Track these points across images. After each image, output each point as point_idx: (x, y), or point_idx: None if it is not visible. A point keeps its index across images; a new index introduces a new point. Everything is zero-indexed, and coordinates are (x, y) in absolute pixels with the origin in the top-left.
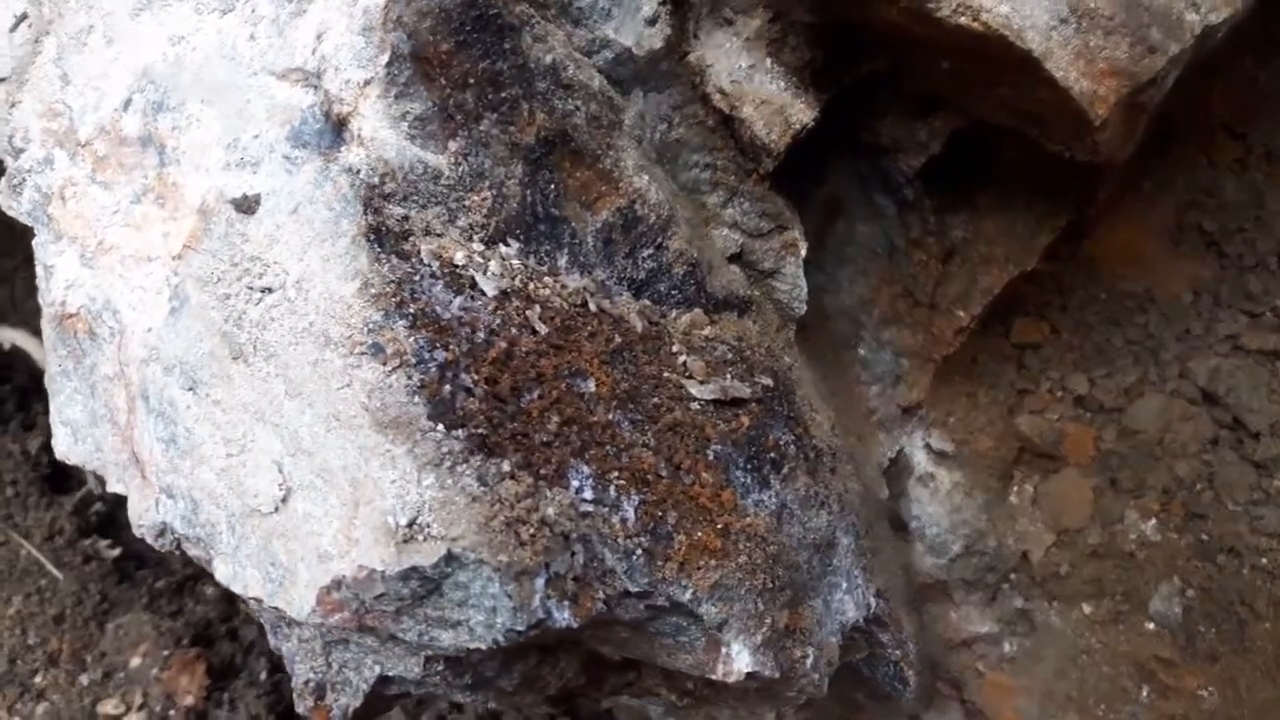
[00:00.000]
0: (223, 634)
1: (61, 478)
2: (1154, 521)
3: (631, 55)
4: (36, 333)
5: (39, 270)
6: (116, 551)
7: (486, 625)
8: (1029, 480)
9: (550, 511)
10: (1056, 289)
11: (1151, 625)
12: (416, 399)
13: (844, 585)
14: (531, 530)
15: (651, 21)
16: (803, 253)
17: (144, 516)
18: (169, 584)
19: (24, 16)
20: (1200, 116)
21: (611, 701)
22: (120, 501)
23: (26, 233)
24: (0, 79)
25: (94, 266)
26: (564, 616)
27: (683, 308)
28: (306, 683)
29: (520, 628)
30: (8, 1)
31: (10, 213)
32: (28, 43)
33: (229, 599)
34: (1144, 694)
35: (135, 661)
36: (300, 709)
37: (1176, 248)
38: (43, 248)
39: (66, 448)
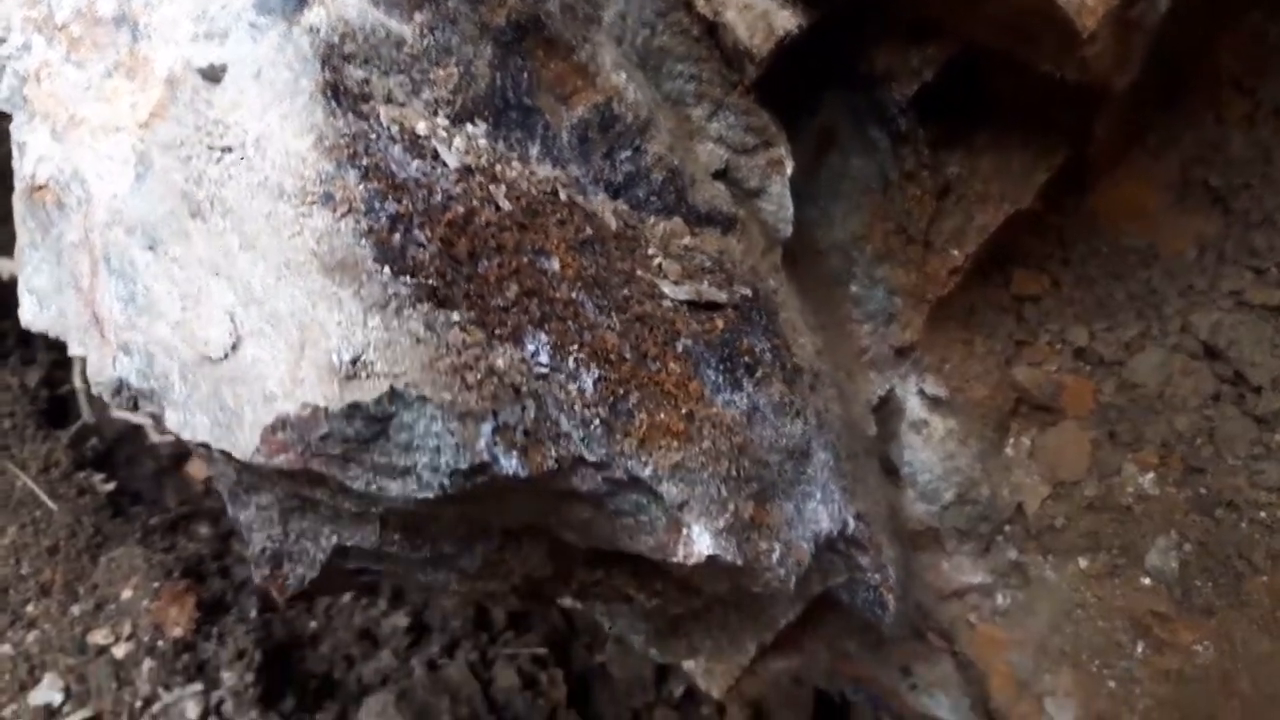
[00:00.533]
0: (214, 570)
1: (59, 412)
2: (1152, 475)
3: None
4: None
5: (14, 151)
6: (111, 486)
7: (431, 468)
8: (1026, 432)
9: (500, 363)
10: (1058, 242)
11: (1147, 580)
12: (364, 242)
13: (818, 495)
14: (479, 376)
15: None
16: (789, 171)
17: (101, 374)
18: (162, 520)
19: None
20: (1208, 71)
21: (609, 651)
22: (118, 439)
23: None
24: None
25: (64, 140)
26: (512, 464)
27: (661, 215)
28: (263, 551)
29: (464, 467)
30: None
31: None
32: None
33: (222, 537)
34: (1139, 649)
35: (126, 594)
36: (256, 579)
37: (1181, 203)
38: (18, 129)
39: (32, 316)
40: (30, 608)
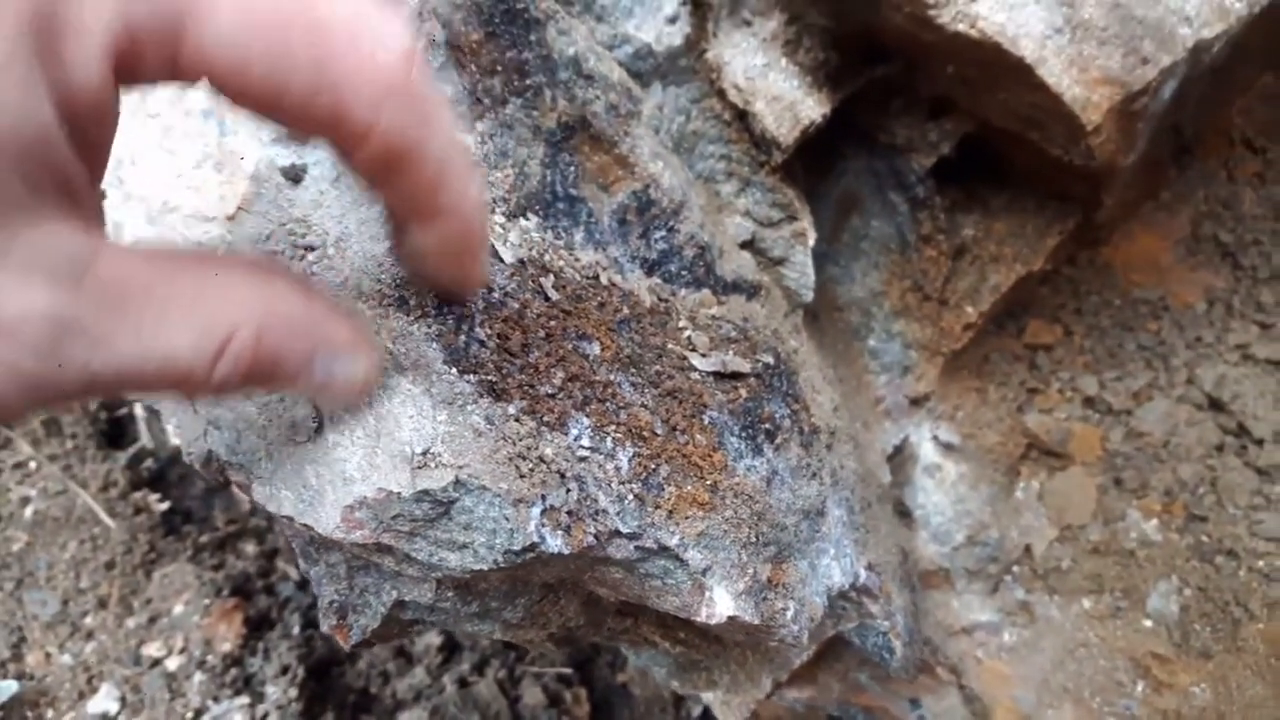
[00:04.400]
0: (260, 589)
1: (117, 434)
2: (1155, 521)
3: (651, 51)
4: None
5: (110, 227)
6: (165, 505)
7: (488, 546)
8: (1035, 476)
9: (548, 451)
10: (1072, 293)
11: (1148, 622)
12: (434, 345)
13: (831, 551)
14: (530, 465)
15: (672, 20)
16: (811, 242)
17: (193, 445)
18: (212, 538)
19: None
20: (1220, 131)
21: (630, 671)
22: (170, 459)
23: None
24: None
25: (158, 224)
26: (556, 543)
27: (691, 287)
28: (330, 603)
29: (516, 548)
30: None
31: None
32: None
33: (267, 556)
34: (1139, 688)
35: (178, 609)
36: (324, 627)
37: (1192, 257)
38: (114, 208)
39: None
40: (88, 620)
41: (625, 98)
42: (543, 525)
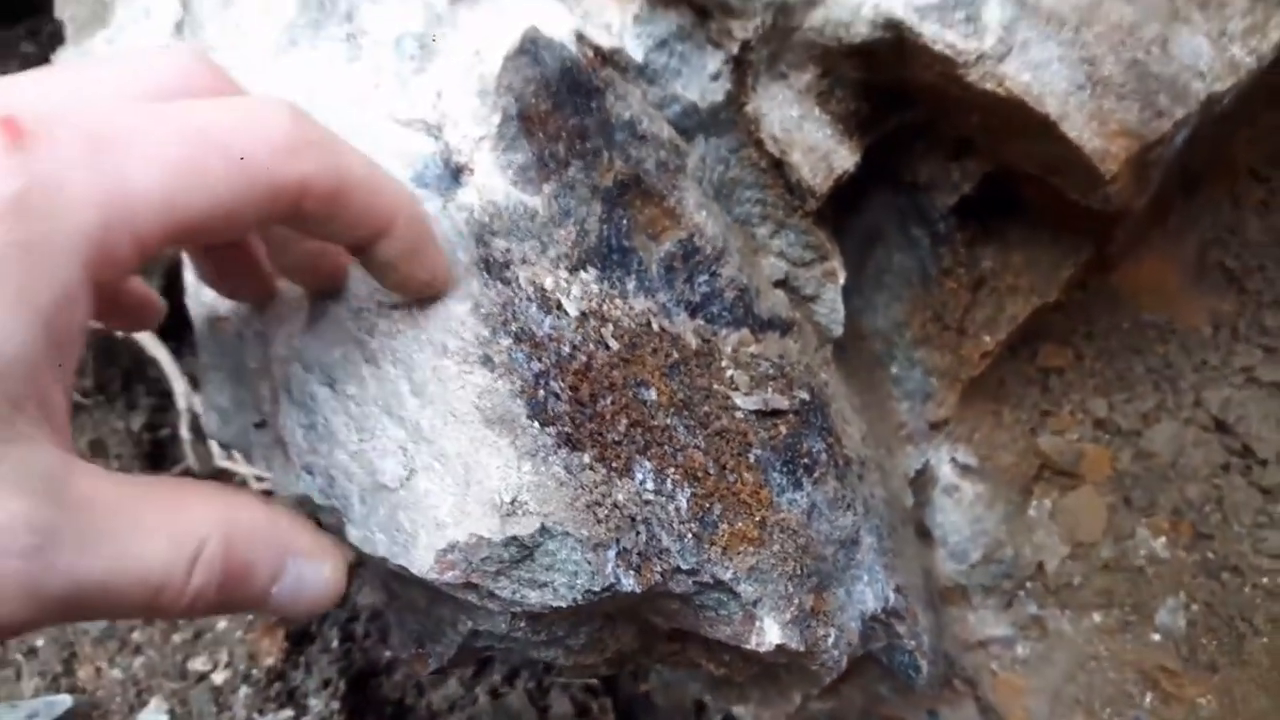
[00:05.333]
0: None
1: (160, 455)
2: (1163, 539)
3: (696, 108)
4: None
5: (188, 279)
6: None
7: (569, 586)
8: (1048, 495)
9: (620, 497)
10: (1083, 317)
11: (1157, 636)
12: (518, 401)
13: (865, 579)
14: (606, 511)
15: (715, 77)
16: (841, 281)
17: (286, 489)
18: None
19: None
20: (1225, 161)
21: (649, 683)
22: (211, 477)
23: None
24: None
25: None
26: (630, 583)
27: (732, 327)
28: (410, 632)
29: (596, 589)
30: (152, 35)
31: None
32: None
33: None
34: (1147, 700)
35: (221, 624)
36: (403, 656)
37: (1199, 282)
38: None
39: (216, 429)
40: (136, 635)
41: (673, 154)
42: (618, 567)
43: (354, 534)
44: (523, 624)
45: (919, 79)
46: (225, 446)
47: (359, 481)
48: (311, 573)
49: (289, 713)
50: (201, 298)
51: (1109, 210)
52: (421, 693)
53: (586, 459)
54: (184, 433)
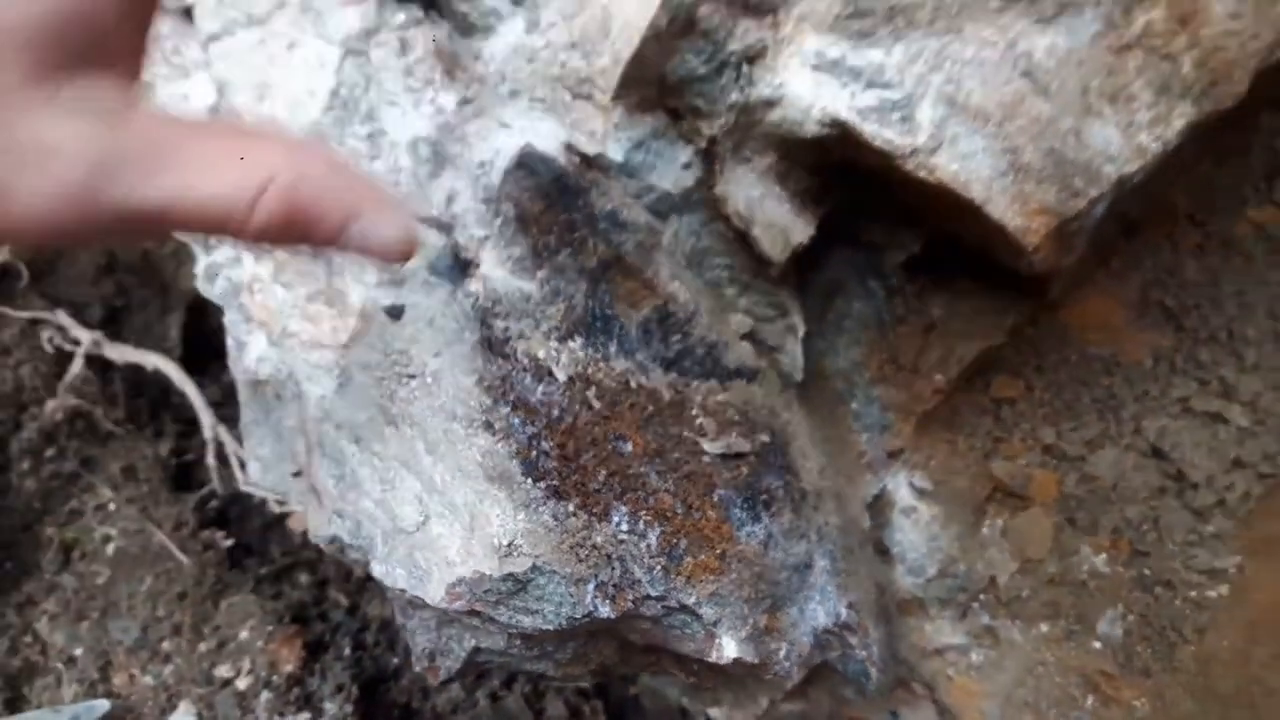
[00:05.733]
0: (315, 615)
1: (184, 479)
2: (1104, 556)
3: (670, 194)
4: (171, 354)
5: (230, 341)
6: (229, 542)
7: (555, 614)
8: (999, 516)
9: (599, 539)
10: (1033, 351)
11: (1097, 644)
12: (514, 461)
13: (817, 598)
14: (586, 551)
15: (686, 167)
16: (801, 333)
17: (320, 530)
18: (270, 571)
19: None
20: (1164, 208)
21: (637, 686)
22: (232, 498)
23: (159, 270)
24: None
25: (279, 346)
26: (605, 610)
27: (701, 379)
28: (424, 650)
29: (577, 616)
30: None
31: (205, 294)
32: None
33: (319, 585)
34: (1089, 702)
35: (244, 634)
36: (417, 668)
37: (1140, 319)
38: (234, 325)
39: (258, 477)
40: (165, 644)
41: (649, 234)
42: (596, 597)
43: (378, 569)
44: (518, 642)
45: (865, 163)
46: (266, 491)
47: (382, 525)
48: (378, 228)
49: (306, 715)
50: (244, 364)
51: (1037, 272)
52: (427, 696)
53: (570, 507)
54: (210, 459)
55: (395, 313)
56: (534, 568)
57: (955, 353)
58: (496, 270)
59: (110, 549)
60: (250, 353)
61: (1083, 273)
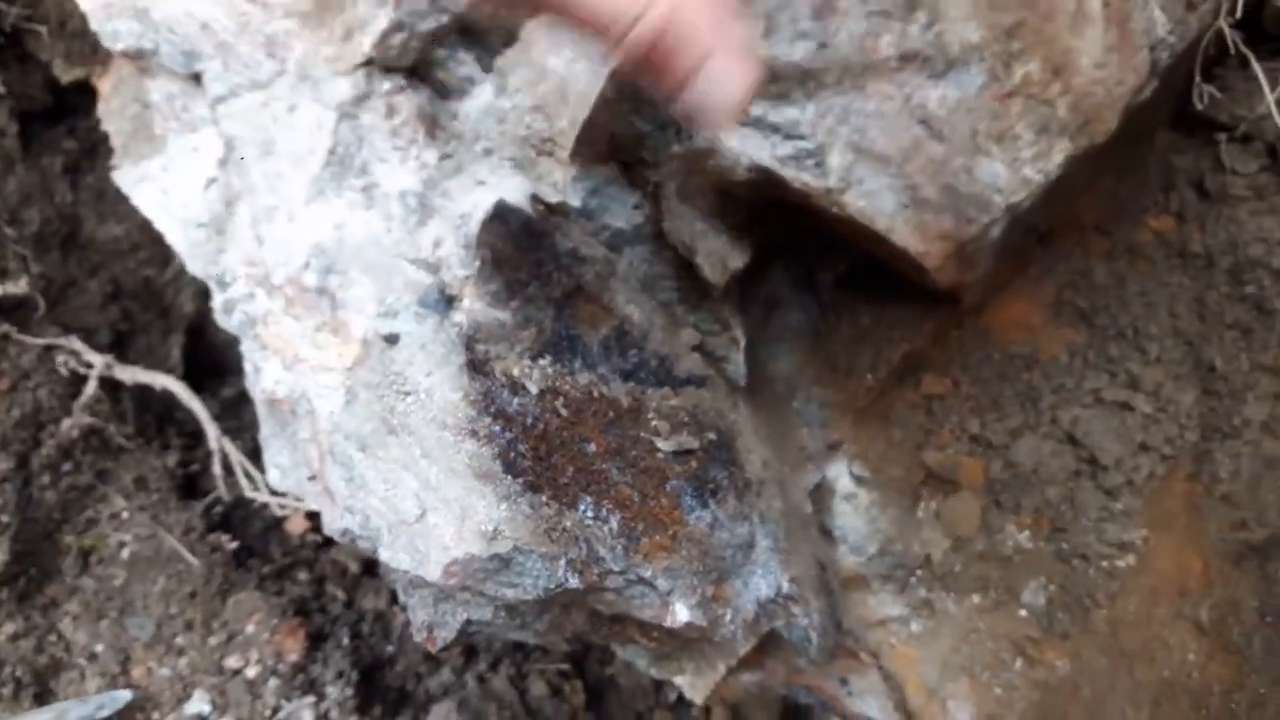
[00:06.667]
0: (315, 609)
1: (190, 487)
2: (1027, 533)
3: (623, 230)
4: (174, 374)
5: (248, 366)
6: (234, 544)
7: (533, 585)
8: (932, 499)
9: (568, 524)
10: (959, 350)
11: (1023, 612)
12: (496, 462)
13: (759, 572)
14: (558, 534)
15: (637, 207)
16: (743, 344)
17: (333, 524)
18: (272, 569)
19: (213, 179)
20: (1073, 219)
21: (616, 665)
22: (236, 504)
23: (161, 297)
24: (201, 223)
25: (292, 371)
26: (574, 582)
27: (655, 386)
28: (423, 623)
29: (551, 587)
30: (199, 168)
31: (223, 325)
32: (219, 201)
33: (317, 582)
34: (1017, 664)
35: (250, 628)
36: (417, 639)
37: (1056, 319)
38: (251, 352)
39: (278, 480)
40: (179, 639)
41: (606, 265)
42: (566, 571)
43: (384, 554)
44: (503, 613)
45: (789, 200)
46: (284, 494)
47: (387, 519)
48: (726, 76)
49: (311, 699)
50: (261, 386)
51: (945, 286)
52: (420, 680)
53: (544, 498)
54: (216, 469)
55: (392, 339)
56: (515, 548)
57: (883, 355)
58: (477, 303)
59: (125, 553)
60: (267, 376)
61: (1000, 280)
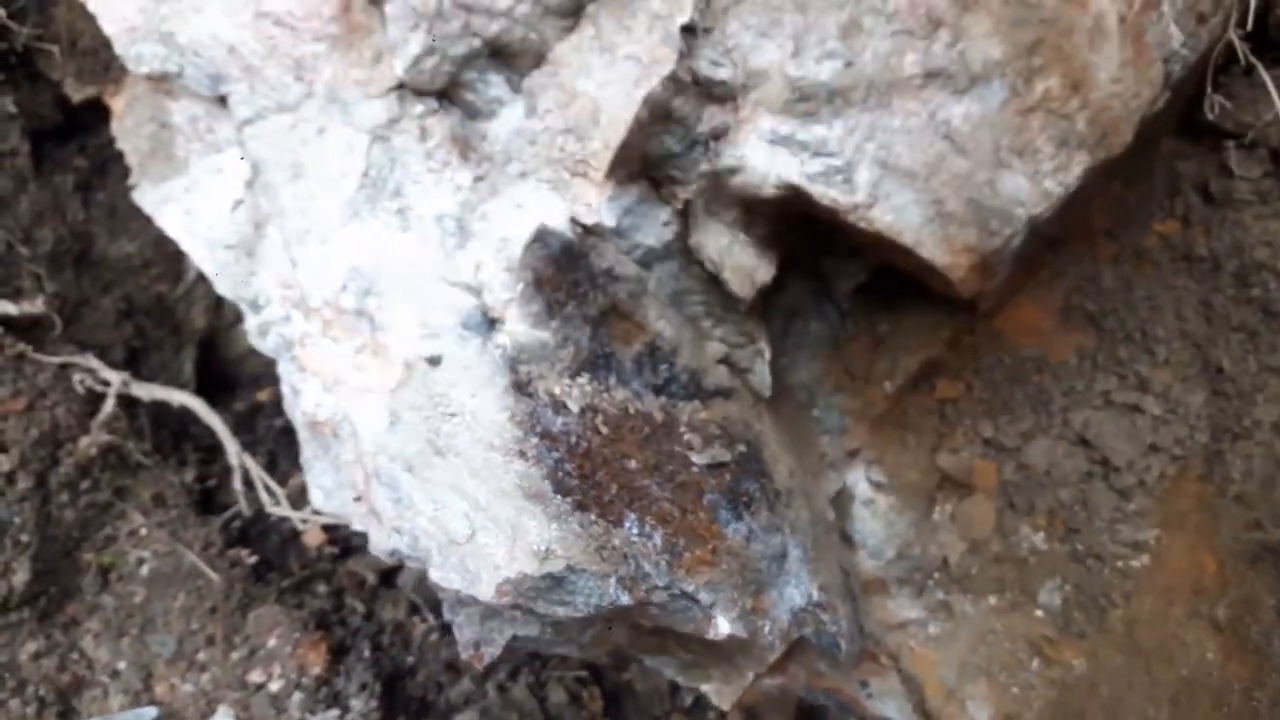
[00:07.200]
0: (336, 621)
1: (209, 502)
2: (1041, 534)
3: (654, 248)
4: (187, 389)
5: (285, 389)
6: (254, 559)
7: (584, 603)
8: (947, 503)
9: (616, 542)
10: (972, 355)
11: (1039, 613)
12: (546, 481)
13: (793, 582)
14: (608, 553)
15: (666, 224)
16: (768, 355)
17: (381, 544)
18: (290, 583)
19: (240, 201)
20: (1083, 225)
21: (632, 671)
22: (253, 518)
23: (173, 313)
24: (229, 245)
25: (333, 393)
26: (625, 599)
27: (686, 400)
28: (469, 640)
29: (603, 605)
30: (225, 190)
31: (258, 347)
32: (247, 223)
33: (336, 594)
34: (1034, 664)
35: (272, 642)
36: (464, 656)
37: (1065, 323)
38: (289, 374)
39: (320, 503)
40: (201, 655)
41: (638, 283)
42: (616, 589)
43: (435, 574)
44: (549, 629)
45: (815, 215)
46: (328, 514)
47: (436, 539)
48: None
49: (335, 712)
50: (301, 408)
51: (966, 295)
52: (441, 690)
53: (593, 516)
54: (237, 484)
55: (435, 361)
56: (568, 567)
57: (901, 363)
58: (519, 325)
59: (145, 570)
60: (306, 398)
61: (1013, 285)
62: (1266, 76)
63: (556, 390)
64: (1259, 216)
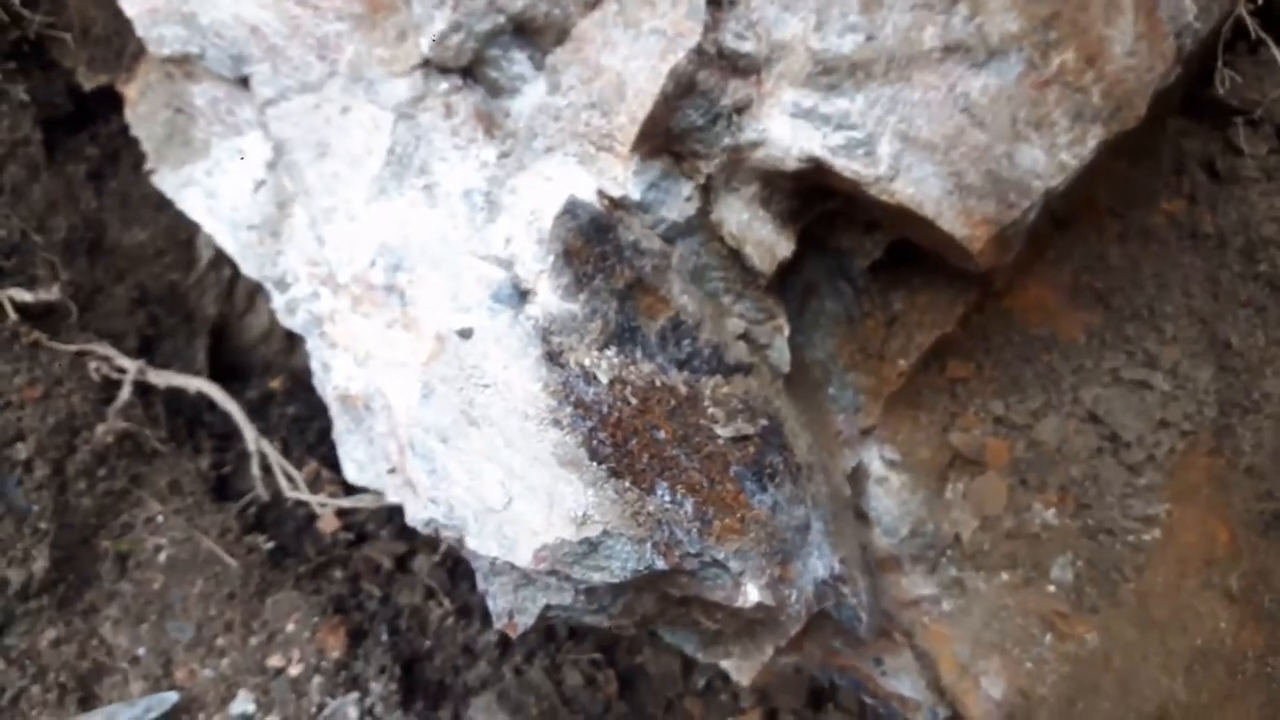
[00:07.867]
0: (353, 606)
1: (225, 487)
2: (1053, 510)
3: (677, 222)
4: (200, 376)
5: (315, 364)
6: (271, 545)
7: (621, 568)
8: (959, 480)
9: (650, 508)
10: (982, 335)
11: (1052, 588)
12: (580, 449)
13: (815, 554)
14: (643, 518)
15: (688, 199)
16: (786, 332)
17: (416, 515)
18: (307, 568)
19: (262, 182)
20: (1089, 203)
21: (645, 654)
22: (268, 504)
23: (185, 301)
24: (252, 225)
25: (365, 367)
26: (660, 564)
27: (708, 375)
28: (503, 609)
29: (641, 569)
30: (247, 171)
31: (286, 325)
32: (270, 203)
33: (352, 579)
34: (1047, 639)
35: (290, 627)
36: (497, 625)
37: (1074, 301)
38: (319, 350)
39: (355, 476)
40: (220, 641)
41: (662, 258)
42: (652, 554)
43: (471, 542)
44: (582, 597)
45: (836, 188)
46: (362, 488)
47: (472, 508)
48: None
49: (355, 695)
50: (333, 383)
51: (982, 268)
52: (458, 673)
53: (627, 484)
54: (255, 470)
55: (466, 334)
56: (604, 532)
57: (914, 340)
58: (550, 296)
59: (162, 557)
60: (338, 373)
61: (1022, 264)
62: (1277, 51)
63: (586, 362)
64: (1265, 193)
